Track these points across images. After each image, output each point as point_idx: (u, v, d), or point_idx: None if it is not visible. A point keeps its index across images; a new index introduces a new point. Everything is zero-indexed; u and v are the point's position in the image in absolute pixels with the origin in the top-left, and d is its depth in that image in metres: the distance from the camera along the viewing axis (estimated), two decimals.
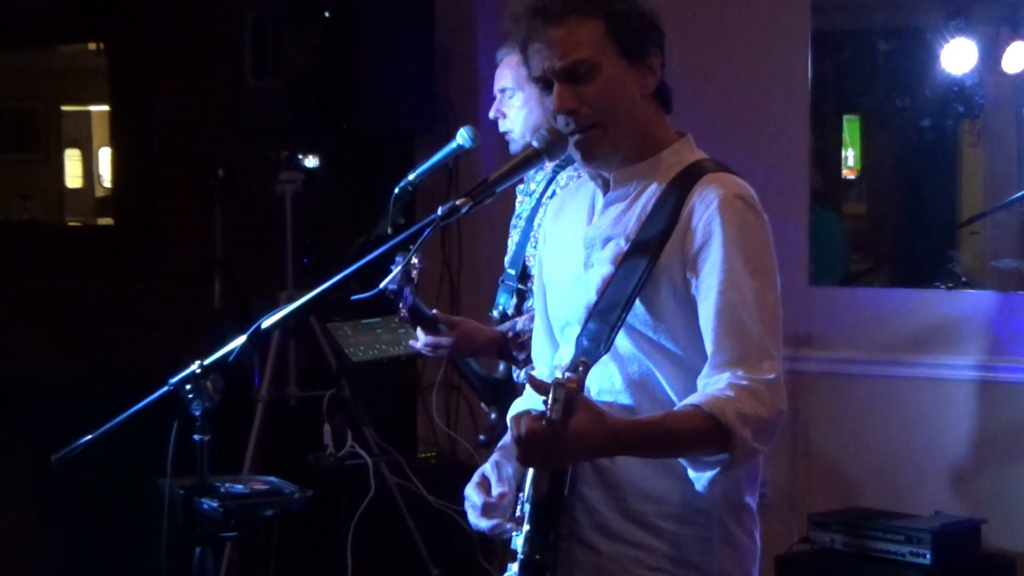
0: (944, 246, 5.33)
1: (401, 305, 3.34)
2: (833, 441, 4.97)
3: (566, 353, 2.51)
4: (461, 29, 5.70)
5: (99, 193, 9.34)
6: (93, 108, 9.29)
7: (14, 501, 5.78)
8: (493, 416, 3.61)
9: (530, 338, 3.43)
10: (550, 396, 2.08)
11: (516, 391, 3.57)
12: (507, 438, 2.57)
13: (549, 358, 2.68)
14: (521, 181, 3.72)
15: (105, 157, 8.72)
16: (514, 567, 2.47)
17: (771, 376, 2.31)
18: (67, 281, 7.04)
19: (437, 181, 5.02)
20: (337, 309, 4.80)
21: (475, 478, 2.53)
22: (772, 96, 5.12)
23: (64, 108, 9.18)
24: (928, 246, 5.49)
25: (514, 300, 3.61)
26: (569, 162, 3.58)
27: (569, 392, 2.08)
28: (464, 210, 2.50)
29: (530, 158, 2.68)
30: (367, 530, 4.90)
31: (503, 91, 3.67)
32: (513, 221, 3.75)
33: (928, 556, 4.29)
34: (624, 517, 2.44)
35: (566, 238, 2.58)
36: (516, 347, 3.47)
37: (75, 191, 9.44)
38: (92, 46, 7.88)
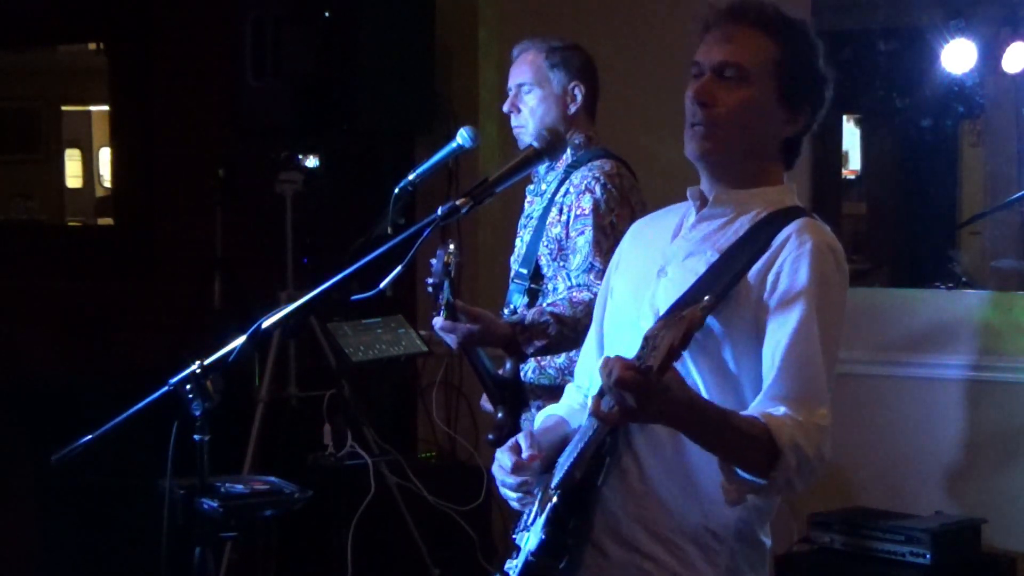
0: (944, 246, 5.33)
1: (440, 299, 3.35)
2: (833, 441, 4.94)
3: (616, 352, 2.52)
4: (461, 29, 5.69)
5: (99, 193, 9.34)
6: (93, 108, 9.29)
7: (14, 501, 5.78)
8: (500, 415, 3.61)
9: (539, 331, 3.44)
10: (656, 337, 2.04)
11: (524, 390, 3.57)
12: (538, 424, 2.62)
13: (595, 366, 2.68)
14: (530, 181, 3.73)
15: (105, 157, 8.73)
16: (515, 562, 2.50)
17: (824, 424, 2.35)
18: (67, 281, 7.03)
19: (437, 181, 5.01)
20: (337, 309, 4.81)
21: (506, 444, 2.53)
22: None
23: (64, 108, 9.18)
24: (928, 246, 5.50)
25: (526, 299, 3.62)
26: (582, 163, 3.59)
27: (693, 321, 2.04)
28: (464, 210, 2.51)
29: (530, 158, 2.68)
30: (367, 530, 4.90)
31: (520, 86, 3.70)
32: (522, 221, 3.75)
33: (928, 556, 4.29)
34: (639, 525, 2.45)
35: (644, 250, 2.59)
36: (524, 341, 3.47)
37: (75, 191, 9.45)
38: (92, 46, 7.88)
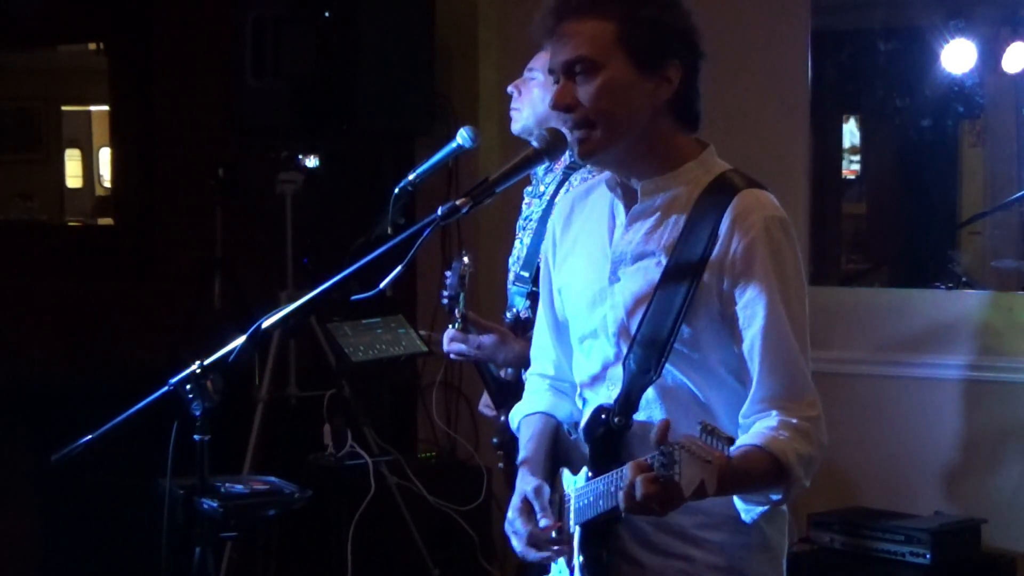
0: (944, 246, 5.34)
1: (456, 312, 3.34)
2: (833, 441, 4.91)
3: (589, 364, 2.54)
4: (461, 29, 5.70)
5: (99, 193, 9.35)
6: (93, 108, 9.29)
7: (14, 501, 5.78)
8: (502, 418, 3.60)
9: None
10: (675, 454, 2.09)
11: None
12: (527, 452, 2.61)
13: (552, 357, 2.71)
14: (528, 183, 3.72)
15: (105, 157, 8.73)
16: None
17: (815, 413, 2.38)
18: (67, 281, 7.04)
19: (437, 181, 5.01)
20: (337, 309, 4.81)
21: (516, 502, 2.53)
22: (772, 96, 5.11)
23: (64, 108, 9.18)
24: (928, 246, 5.50)
25: (528, 302, 3.61)
26: (581, 164, 3.59)
27: (721, 468, 2.09)
28: (464, 210, 2.50)
29: (530, 159, 2.67)
30: (367, 530, 4.90)
31: (531, 70, 3.70)
32: (521, 223, 3.74)
33: (928, 556, 4.29)
34: (663, 531, 2.47)
35: (585, 247, 2.58)
36: None
37: (75, 191, 9.45)
38: (92, 46, 7.89)
